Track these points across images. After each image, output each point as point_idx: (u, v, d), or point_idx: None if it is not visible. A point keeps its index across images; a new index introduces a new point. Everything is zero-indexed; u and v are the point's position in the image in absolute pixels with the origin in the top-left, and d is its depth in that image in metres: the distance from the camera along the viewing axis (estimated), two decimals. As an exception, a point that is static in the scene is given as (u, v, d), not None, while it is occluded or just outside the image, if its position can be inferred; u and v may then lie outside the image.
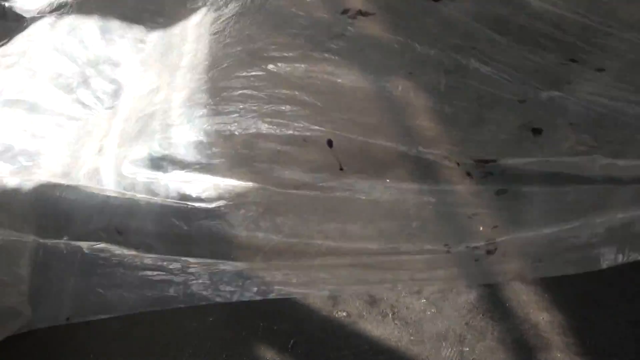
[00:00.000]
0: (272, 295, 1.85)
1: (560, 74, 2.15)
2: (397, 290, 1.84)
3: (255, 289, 1.86)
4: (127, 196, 2.00)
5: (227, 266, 1.89)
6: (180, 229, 1.94)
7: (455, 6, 2.32)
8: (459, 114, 2.09)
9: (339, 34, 2.27)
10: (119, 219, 1.97)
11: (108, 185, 2.05)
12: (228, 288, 1.86)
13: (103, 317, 1.84)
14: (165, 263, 1.90)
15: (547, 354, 1.67)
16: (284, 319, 1.81)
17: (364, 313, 1.81)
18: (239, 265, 1.89)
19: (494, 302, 1.78)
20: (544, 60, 2.18)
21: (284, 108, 2.07)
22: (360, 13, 2.33)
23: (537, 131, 2.04)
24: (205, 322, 1.83)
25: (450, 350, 1.70)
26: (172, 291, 1.87)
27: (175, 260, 1.90)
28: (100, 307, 1.86)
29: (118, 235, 1.95)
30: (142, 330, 1.83)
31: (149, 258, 1.90)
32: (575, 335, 1.69)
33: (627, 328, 1.69)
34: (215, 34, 2.37)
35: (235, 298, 1.85)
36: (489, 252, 1.85)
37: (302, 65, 2.19)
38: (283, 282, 1.87)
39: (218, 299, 1.84)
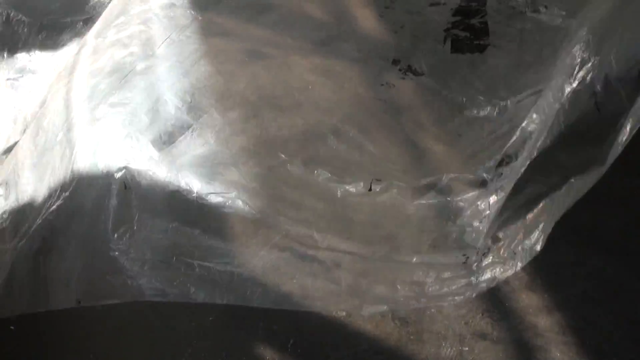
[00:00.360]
0: (279, 306, 1.79)
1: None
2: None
3: (266, 296, 1.78)
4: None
5: (239, 268, 1.81)
6: (189, 194, 1.89)
7: (501, 55, 2.29)
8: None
9: (389, 84, 2.25)
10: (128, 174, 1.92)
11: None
12: (235, 291, 1.79)
13: (110, 302, 1.80)
14: (174, 258, 1.82)
15: (547, 354, 1.67)
16: (283, 318, 1.80)
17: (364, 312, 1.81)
18: (248, 265, 1.82)
19: (494, 302, 1.78)
20: None
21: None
22: (410, 69, 2.30)
23: None
24: (205, 322, 1.83)
25: (450, 350, 1.70)
26: (177, 287, 1.80)
27: (185, 255, 1.82)
28: (107, 292, 1.81)
29: (124, 189, 1.90)
30: (141, 330, 1.83)
31: (157, 249, 1.83)
32: (575, 335, 1.69)
33: (627, 328, 1.69)
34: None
35: (241, 302, 1.78)
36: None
37: (346, 98, 2.19)
38: (296, 294, 1.81)
39: (219, 301, 1.78)
